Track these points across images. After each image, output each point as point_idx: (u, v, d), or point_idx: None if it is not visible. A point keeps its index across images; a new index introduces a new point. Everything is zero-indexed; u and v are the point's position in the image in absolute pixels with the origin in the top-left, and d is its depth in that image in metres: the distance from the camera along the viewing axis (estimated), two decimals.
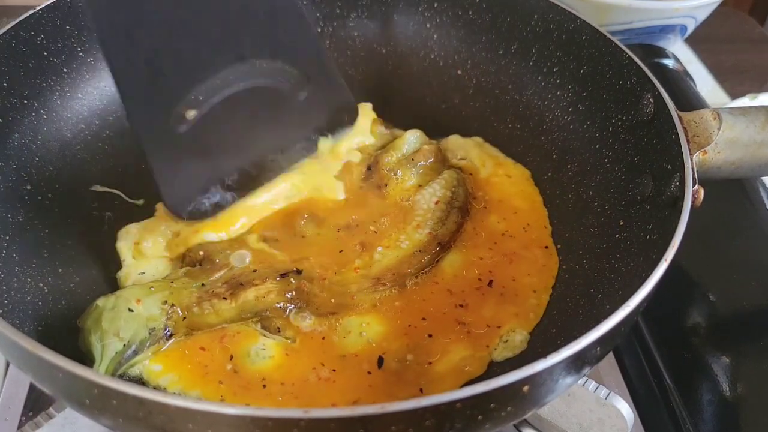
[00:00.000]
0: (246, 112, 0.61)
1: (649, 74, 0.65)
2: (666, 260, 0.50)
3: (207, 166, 0.61)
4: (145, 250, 0.65)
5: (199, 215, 0.63)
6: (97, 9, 0.52)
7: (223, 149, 0.62)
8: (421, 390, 0.57)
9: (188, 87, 0.58)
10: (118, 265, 0.66)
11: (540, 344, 0.61)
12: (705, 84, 1.13)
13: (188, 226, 0.65)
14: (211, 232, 0.65)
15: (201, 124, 0.59)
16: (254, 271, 0.63)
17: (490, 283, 0.66)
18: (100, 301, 0.57)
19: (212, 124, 0.59)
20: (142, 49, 0.54)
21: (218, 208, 0.64)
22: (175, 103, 0.57)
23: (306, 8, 0.84)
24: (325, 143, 0.69)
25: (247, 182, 0.65)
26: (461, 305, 0.64)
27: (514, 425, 0.63)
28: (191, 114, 0.58)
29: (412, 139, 0.76)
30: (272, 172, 0.66)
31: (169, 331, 0.58)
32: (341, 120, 0.69)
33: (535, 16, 0.77)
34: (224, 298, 0.60)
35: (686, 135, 0.59)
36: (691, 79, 0.98)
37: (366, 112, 0.77)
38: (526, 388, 0.43)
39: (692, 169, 0.57)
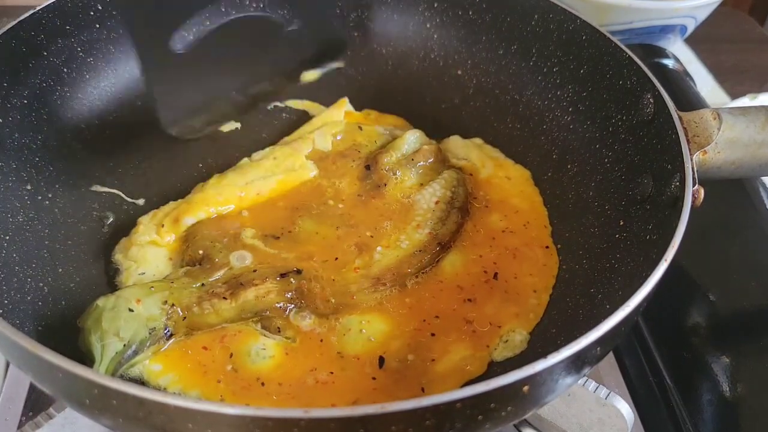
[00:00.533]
0: (238, 40, 0.66)
1: (649, 74, 0.65)
2: (666, 260, 0.50)
3: (200, 88, 0.66)
4: (141, 251, 0.65)
5: (189, 131, 0.69)
6: None
7: (215, 72, 0.66)
8: (422, 389, 0.57)
9: (189, 12, 0.62)
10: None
11: (540, 344, 0.61)
12: (705, 84, 1.13)
13: (170, 215, 0.67)
14: (190, 217, 0.67)
15: (198, 48, 0.63)
16: (254, 270, 0.63)
17: (496, 275, 0.66)
18: (100, 301, 0.57)
19: (207, 48, 0.64)
20: None
21: (207, 125, 0.70)
22: (176, 25, 0.62)
23: None
24: (308, 75, 0.72)
25: (237, 110, 0.72)
26: (470, 300, 0.64)
27: (514, 425, 0.63)
28: (189, 37, 0.62)
29: (412, 139, 0.76)
30: (260, 101, 0.72)
31: (169, 331, 0.58)
32: (327, 54, 0.74)
33: (536, 16, 0.77)
34: (224, 298, 0.60)
35: (686, 135, 0.59)
36: (691, 79, 0.98)
37: (340, 104, 0.80)
38: (526, 388, 0.43)
39: (692, 169, 0.57)
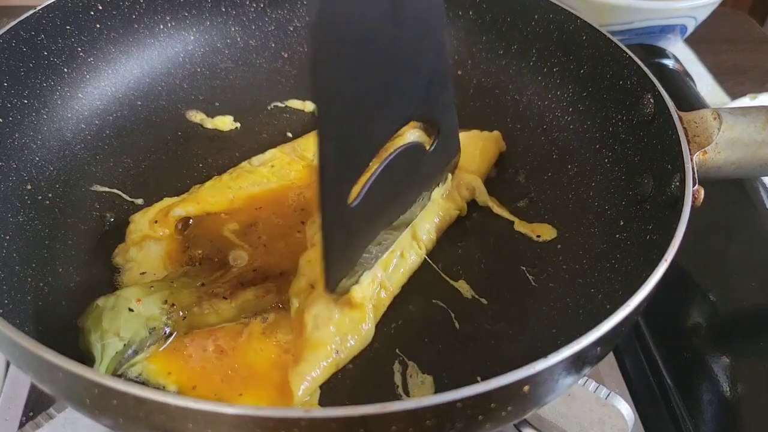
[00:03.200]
0: (397, 173, 0.58)
1: (650, 74, 0.66)
2: (666, 260, 0.50)
3: (364, 237, 0.58)
4: (140, 252, 0.65)
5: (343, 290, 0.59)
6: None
7: (379, 216, 0.59)
8: None
9: (371, 152, 0.53)
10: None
11: (540, 344, 0.61)
12: (705, 84, 1.13)
13: (162, 210, 0.67)
14: (180, 209, 0.67)
15: (367, 194, 0.54)
16: (254, 270, 0.63)
17: None
18: (100, 301, 0.57)
19: (375, 192, 0.55)
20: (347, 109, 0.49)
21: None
22: (361, 171, 0.53)
23: None
24: (437, 191, 0.69)
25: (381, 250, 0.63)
26: None
27: (515, 425, 0.63)
28: (363, 184, 0.54)
29: (412, 138, 0.76)
30: (398, 231, 0.64)
31: (169, 330, 0.58)
32: (451, 166, 0.69)
33: (536, 16, 0.77)
34: (224, 298, 0.60)
35: (686, 135, 0.60)
36: (691, 79, 0.98)
37: None
38: (526, 388, 0.43)
39: (692, 169, 0.57)
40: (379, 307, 0.62)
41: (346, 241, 0.55)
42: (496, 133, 0.77)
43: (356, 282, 0.59)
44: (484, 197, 0.73)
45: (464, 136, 0.73)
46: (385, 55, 0.50)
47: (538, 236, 0.70)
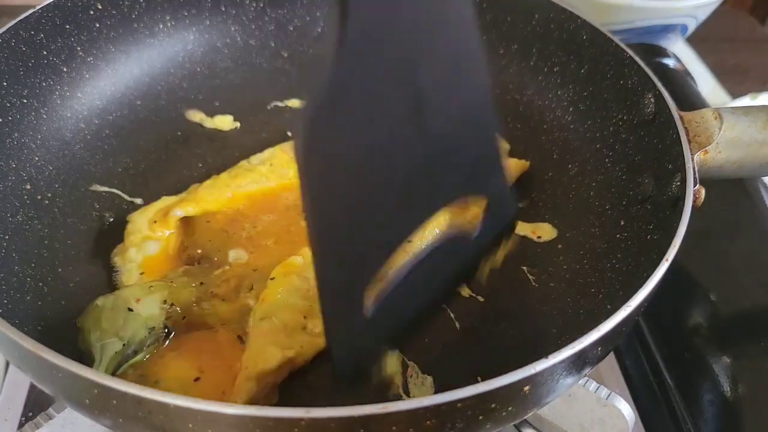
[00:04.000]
0: (428, 273, 0.52)
1: (650, 74, 0.65)
2: (667, 260, 0.50)
3: (380, 338, 0.53)
4: (139, 253, 0.65)
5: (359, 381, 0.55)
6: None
7: (401, 320, 0.53)
8: None
9: (382, 258, 0.47)
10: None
11: (540, 344, 0.61)
12: (706, 83, 1.13)
13: (161, 210, 0.66)
14: (179, 210, 0.66)
15: (386, 302, 0.49)
16: (254, 270, 0.62)
17: None
18: (100, 301, 0.57)
19: (396, 299, 0.50)
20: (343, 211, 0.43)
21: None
22: (369, 280, 0.47)
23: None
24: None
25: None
26: None
27: (515, 425, 0.63)
28: (377, 293, 0.48)
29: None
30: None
31: (168, 330, 0.58)
32: (507, 230, 0.62)
33: (536, 16, 0.77)
34: (224, 300, 0.60)
35: (687, 135, 0.59)
36: (692, 78, 0.98)
37: None
38: (527, 388, 0.43)
39: (693, 168, 0.57)
40: None
41: (356, 346, 0.50)
42: (526, 163, 0.75)
43: (378, 365, 0.54)
44: None
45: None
46: (401, 162, 0.43)
47: (539, 237, 0.70)
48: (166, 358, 0.56)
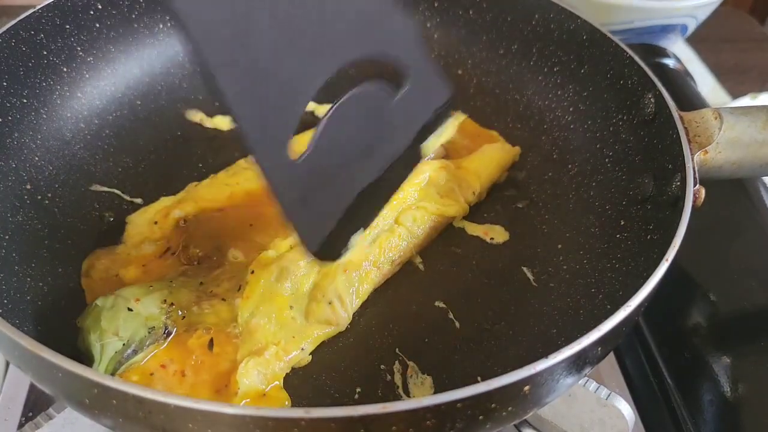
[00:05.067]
0: (352, 125, 0.55)
1: (650, 74, 0.65)
2: (667, 260, 0.50)
3: (329, 194, 0.55)
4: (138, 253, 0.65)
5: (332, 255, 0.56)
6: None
7: (345, 170, 0.55)
8: None
9: (301, 104, 0.51)
10: None
11: (540, 344, 0.61)
12: (706, 83, 1.13)
13: (161, 211, 0.66)
14: (179, 211, 0.66)
15: (317, 149, 0.53)
16: (252, 272, 0.62)
17: None
18: (100, 301, 0.57)
19: (327, 145, 0.53)
20: (248, 67, 0.47)
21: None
22: (291, 126, 0.51)
23: None
24: (427, 146, 0.67)
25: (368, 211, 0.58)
26: None
27: (515, 425, 0.63)
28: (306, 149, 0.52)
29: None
30: (387, 190, 0.59)
31: (168, 329, 0.58)
32: (444, 113, 0.63)
33: (536, 16, 0.77)
34: (223, 299, 0.60)
35: (687, 135, 0.59)
36: (692, 78, 0.98)
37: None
38: (526, 388, 0.43)
39: (693, 168, 0.57)
40: (359, 293, 0.62)
41: (307, 199, 0.53)
42: (516, 148, 0.77)
43: (346, 247, 0.56)
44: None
45: (488, 148, 0.75)
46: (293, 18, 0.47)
47: (492, 238, 0.70)
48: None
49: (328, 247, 0.54)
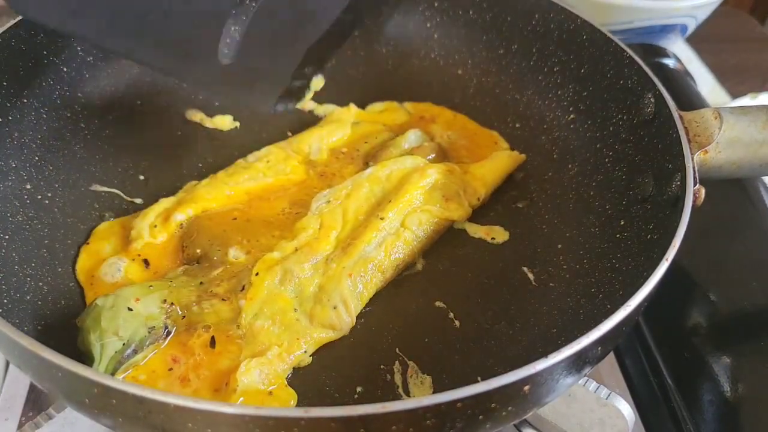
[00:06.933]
0: (281, 11, 0.61)
1: (650, 74, 0.65)
2: (667, 260, 0.50)
3: (267, 70, 0.62)
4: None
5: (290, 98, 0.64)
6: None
7: (273, 49, 0.62)
8: None
9: (218, 23, 0.57)
10: None
11: (540, 344, 0.61)
12: (706, 83, 1.13)
13: (161, 214, 0.67)
14: (180, 213, 0.66)
15: (243, 43, 0.58)
16: (257, 274, 0.62)
17: None
18: (99, 300, 0.57)
19: (252, 38, 0.58)
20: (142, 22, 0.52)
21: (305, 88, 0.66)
22: (214, 44, 0.57)
23: None
24: (317, 82, 0.72)
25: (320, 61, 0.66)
26: None
27: (515, 425, 0.63)
28: (230, 45, 0.57)
29: (412, 138, 0.76)
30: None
31: (168, 329, 0.58)
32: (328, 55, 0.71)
33: (536, 16, 0.77)
34: (224, 299, 0.60)
35: (687, 134, 0.59)
36: (692, 78, 0.98)
37: (346, 112, 0.80)
38: (526, 387, 0.43)
39: (693, 168, 0.57)
40: (363, 297, 0.63)
41: (246, 83, 0.59)
42: (523, 156, 0.77)
43: (308, 87, 0.62)
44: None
45: (499, 155, 0.75)
46: None
47: (493, 238, 0.70)
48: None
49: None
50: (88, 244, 0.65)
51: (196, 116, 0.79)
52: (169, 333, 0.58)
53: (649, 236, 0.60)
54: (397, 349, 0.60)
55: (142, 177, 0.73)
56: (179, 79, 0.58)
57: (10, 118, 0.65)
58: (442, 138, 0.79)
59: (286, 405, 0.55)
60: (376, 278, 0.63)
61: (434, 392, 0.57)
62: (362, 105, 0.83)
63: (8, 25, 0.65)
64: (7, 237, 0.60)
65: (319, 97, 0.81)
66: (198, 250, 0.64)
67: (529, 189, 0.75)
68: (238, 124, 0.80)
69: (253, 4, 0.57)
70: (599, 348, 0.47)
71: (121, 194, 0.71)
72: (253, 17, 0.57)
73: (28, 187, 0.65)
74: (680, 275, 0.72)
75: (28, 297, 0.58)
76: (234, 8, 0.56)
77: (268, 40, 0.60)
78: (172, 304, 0.58)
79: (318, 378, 0.58)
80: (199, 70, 0.56)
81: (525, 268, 0.68)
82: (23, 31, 0.66)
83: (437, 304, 0.64)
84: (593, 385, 0.58)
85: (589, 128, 0.73)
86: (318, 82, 0.76)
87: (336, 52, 0.70)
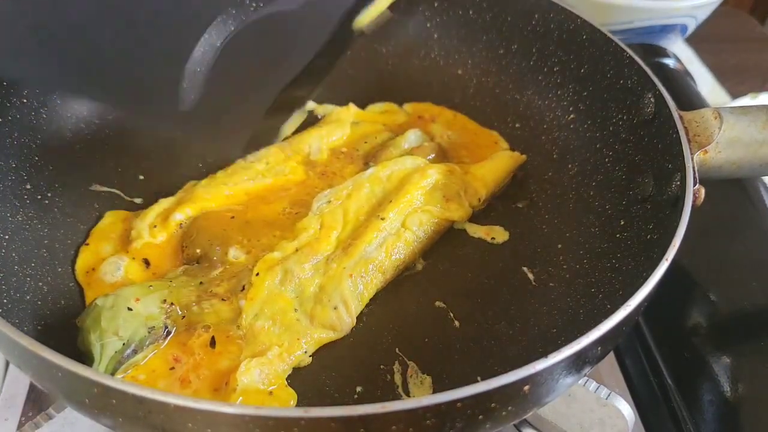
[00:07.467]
0: (251, 50, 0.59)
1: (650, 74, 0.65)
2: (667, 260, 0.50)
3: (235, 113, 0.61)
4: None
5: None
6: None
7: (240, 92, 0.60)
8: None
9: (180, 64, 0.54)
10: None
11: (540, 344, 0.61)
12: (706, 83, 1.13)
13: (161, 214, 0.67)
14: (179, 213, 0.66)
15: (210, 82, 0.55)
16: (257, 275, 0.62)
17: None
18: (99, 301, 0.57)
19: (216, 81, 0.56)
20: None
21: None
22: (174, 89, 0.54)
23: None
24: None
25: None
26: None
27: (515, 425, 0.63)
28: (195, 82, 0.54)
29: (412, 137, 0.76)
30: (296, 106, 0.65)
31: (168, 329, 0.58)
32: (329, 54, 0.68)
33: (536, 16, 0.77)
34: (223, 299, 0.60)
35: (687, 134, 0.59)
36: (692, 78, 0.98)
37: (345, 111, 0.80)
38: (526, 387, 0.43)
39: (693, 168, 0.57)
40: (363, 298, 0.63)
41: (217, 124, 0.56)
42: (524, 156, 0.77)
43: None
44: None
45: (500, 156, 0.75)
46: None
47: (493, 238, 0.70)
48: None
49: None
50: (87, 244, 0.65)
51: None
52: (169, 333, 0.58)
53: (649, 236, 0.60)
54: (397, 349, 0.61)
55: (142, 177, 0.73)
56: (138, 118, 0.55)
57: (9, 118, 0.65)
58: (442, 138, 0.79)
59: (286, 405, 0.55)
60: (377, 279, 0.63)
61: (434, 392, 0.57)
62: (362, 105, 0.82)
63: None
64: (7, 237, 0.60)
65: (318, 97, 0.81)
66: (198, 250, 0.64)
67: (529, 189, 0.75)
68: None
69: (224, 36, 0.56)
70: (599, 348, 0.47)
71: (121, 194, 0.71)
72: (217, 59, 0.56)
73: (28, 187, 0.65)
74: (680, 275, 0.72)
75: (28, 297, 0.58)
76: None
77: (235, 83, 0.58)
78: (172, 304, 0.58)
79: (318, 378, 0.58)
80: (158, 115, 0.55)
81: (525, 268, 0.68)
82: None
83: (437, 304, 0.65)
84: (593, 385, 0.58)
85: (589, 128, 0.73)
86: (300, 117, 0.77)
87: (314, 90, 0.69)
